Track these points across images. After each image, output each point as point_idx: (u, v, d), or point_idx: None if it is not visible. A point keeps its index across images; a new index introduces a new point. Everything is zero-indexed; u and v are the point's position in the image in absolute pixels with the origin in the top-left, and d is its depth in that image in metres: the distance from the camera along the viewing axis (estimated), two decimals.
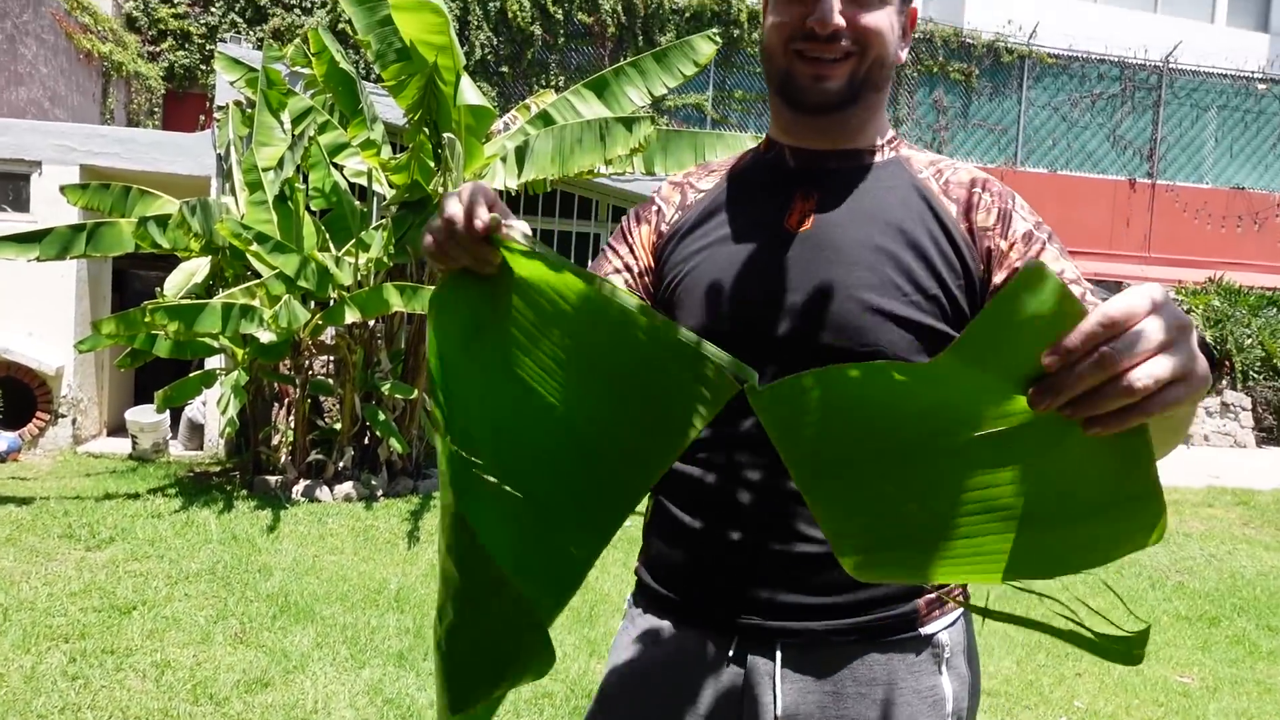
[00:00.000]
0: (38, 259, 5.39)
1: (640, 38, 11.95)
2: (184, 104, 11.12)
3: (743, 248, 1.02)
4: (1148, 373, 0.56)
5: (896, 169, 1.03)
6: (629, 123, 5.04)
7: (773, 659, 0.96)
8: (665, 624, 1.03)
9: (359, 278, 5.72)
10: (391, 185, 5.94)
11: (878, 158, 1.04)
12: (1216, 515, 6.78)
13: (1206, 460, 9.56)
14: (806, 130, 1.03)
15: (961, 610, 1.03)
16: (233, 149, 6.39)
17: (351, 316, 5.36)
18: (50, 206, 6.74)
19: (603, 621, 3.89)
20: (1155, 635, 4.06)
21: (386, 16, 5.28)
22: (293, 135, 5.82)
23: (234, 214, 5.71)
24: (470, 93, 5.42)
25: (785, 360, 0.95)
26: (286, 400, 6.50)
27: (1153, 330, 0.57)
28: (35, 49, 7.87)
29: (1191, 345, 0.59)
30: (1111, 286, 12.23)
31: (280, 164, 5.56)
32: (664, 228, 1.10)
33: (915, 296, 0.95)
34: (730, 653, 0.98)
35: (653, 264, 1.10)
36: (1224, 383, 11.12)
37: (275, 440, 6.23)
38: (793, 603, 0.96)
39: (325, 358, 6.71)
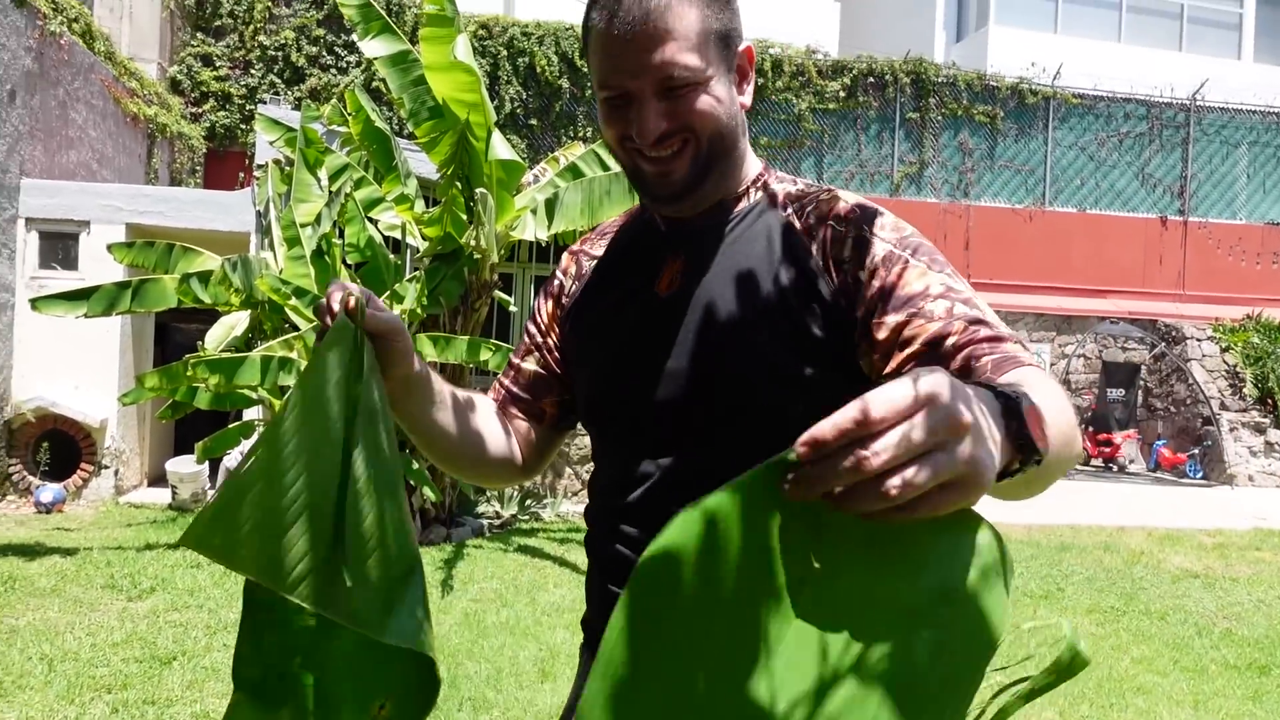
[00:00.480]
0: (85, 315, 5.56)
1: None
2: (224, 162, 11.46)
3: (620, 317, 1.05)
4: (903, 479, 0.50)
5: (762, 212, 1.01)
6: None
7: None
8: None
9: None
10: (425, 238, 6.08)
11: (743, 204, 1.03)
12: (1264, 559, 6.61)
13: (1252, 501, 9.33)
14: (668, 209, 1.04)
15: None
16: (271, 206, 6.58)
17: None
18: (97, 264, 6.97)
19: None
20: (1203, 685, 3.95)
21: (420, 77, 5.46)
22: (330, 192, 5.99)
23: (273, 269, 5.87)
24: (501, 147, 5.56)
25: (671, 430, 0.98)
26: None
27: (914, 432, 0.51)
28: (85, 114, 8.19)
29: (969, 449, 0.53)
30: (1146, 325, 12.09)
31: (318, 220, 5.71)
32: (564, 300, 1.15)
33: (782, 346, 0.93)
34: None
35: (558, 339, 1.15)
36: (1268, 420, 10.89)
37: None
38: None
39: None
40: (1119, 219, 13.30)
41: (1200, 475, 10.90)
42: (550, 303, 1.17)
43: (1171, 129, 13.57)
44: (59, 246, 7.20)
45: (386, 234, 6.42)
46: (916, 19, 15.16)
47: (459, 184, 5.72)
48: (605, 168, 5.70)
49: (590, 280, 1.13)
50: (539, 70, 11.72)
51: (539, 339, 1.17)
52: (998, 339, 0.84)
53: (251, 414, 6.68)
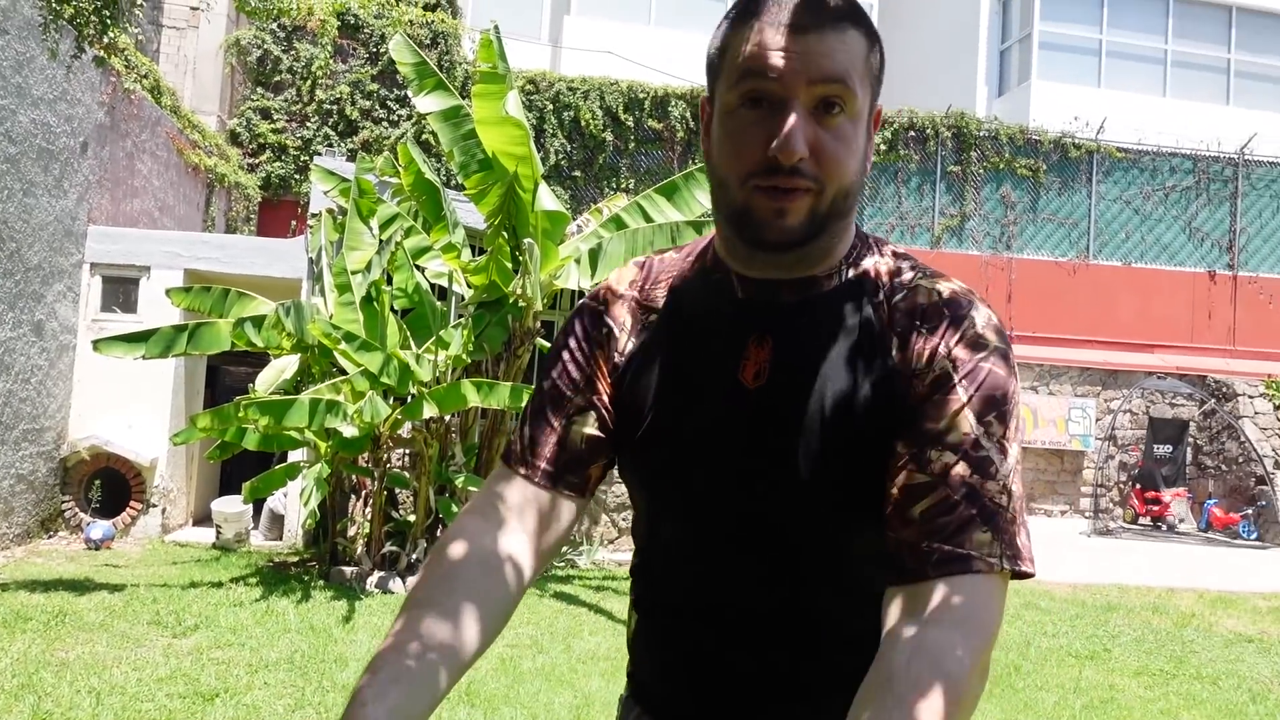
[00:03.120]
0: (144, 356, 5.75)
1: None
2: (278, 210, 11.84)
3: (701, 405, 0.94)
4: None
5: (854, 296, 0.92)
6: (699, 226, 5.22)
7: None
8: None
9: (438, 374, 5.95)
10: (470, 286, 6.22)
11: (834, 281, 0.93)
12: None
13: None
14: (762, 262, 0.93)
15: None
16: (324, 253, 6.79)
17: (430, 411, 5.56)
18: (155, 307, 7.22)
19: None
20: None
21: (470, 130, 5.65)
22: (380, 240, 6.18)
23: (324, 314, 6.04)
24: (547, 199, 5.70)
25: (765, 537, 0.92)
26: (364, 492, 6.69)
27: None
28: (150, 164, 8.55)
29: None
30: (1195, 381, 11.85)
31: (368, 267, 5.89)
32: (617, 356, 1.00)
33: (869, 453, 0.88)
34: None
35: (611, 396, 1.00)
36: None
37: (352, 532, 6.40)
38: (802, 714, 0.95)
39: (401, 450, 6.92)
40: (1165, 273, 13.13)
41: (1254, 536, 10.57)
42: (599, 353, 1.00)
43: (1219, 183, 13.43)
44: (120, 290, 7.48)
45: (434, 281, 6.59)
46: (957, 74, 15.28)
47: (505, 234, 5.87)
48: (648, 219, 5.82)
49: (655, 339, 0.99)
50: (583, 124, 11.99)
51: (592, 396, 0.99)
52: (967, 523, 0.80)
53: (296, 456, 6.81)
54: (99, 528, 7.04)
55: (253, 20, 11.05)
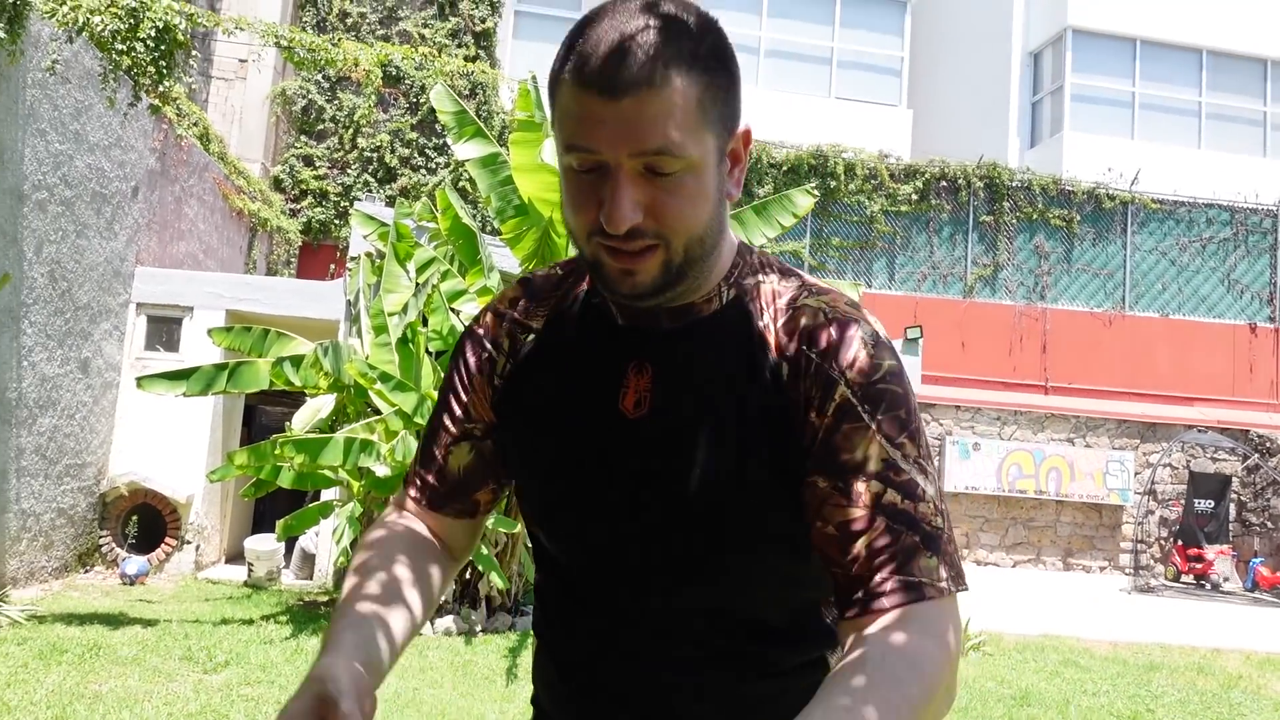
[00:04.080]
0: (185, 394, 5.87)
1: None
2: (317, 255, 12.11)
3: (580, 436, 0.92)
4: None
5: (736, 318, 0.90)
6: None
7: None
8: None
9: None
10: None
11: (714, 304, 0.90)
12: None
13: None
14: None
15: None
16: (361, 295, 6.93)
17: None
18: (197, 346, 7.39)
19: None
20: None
21: (507, 177, 5.77)
22: (416, 283, 6.29)
23: (360, 355, 6.14)
24: None
25: (654, 567, 0.91)
26: None
27: None
28: (197, 208, 8.81)
29: None
30: (1237, 435, 11.60)
31: (404, 309, 5.99)
32: (497, 380, 0.98)
33: (755, 479, 0.86)
34: None
35: (489, 422, 1.00)
36: None
37: None
38: None
39: None
40: (1204, 325, 12.95)
41: None
42: (479, 378, 0.99)
43: (1258, 234, 13.29)
44: (163, 329, 7.67)
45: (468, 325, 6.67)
46: (989, 126, 15.36)
47: None
48: None
49: (531, 364, 0.97)
50: None
51: (468, 425, 0.99)
52: (912, 550, 0.80)
53: (329, 494, 6.87)
54: (134, 563, 7.13)
55: (299, 71, 11.44)
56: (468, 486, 1.01)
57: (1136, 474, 11.35)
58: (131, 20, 6.36)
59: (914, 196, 12.74)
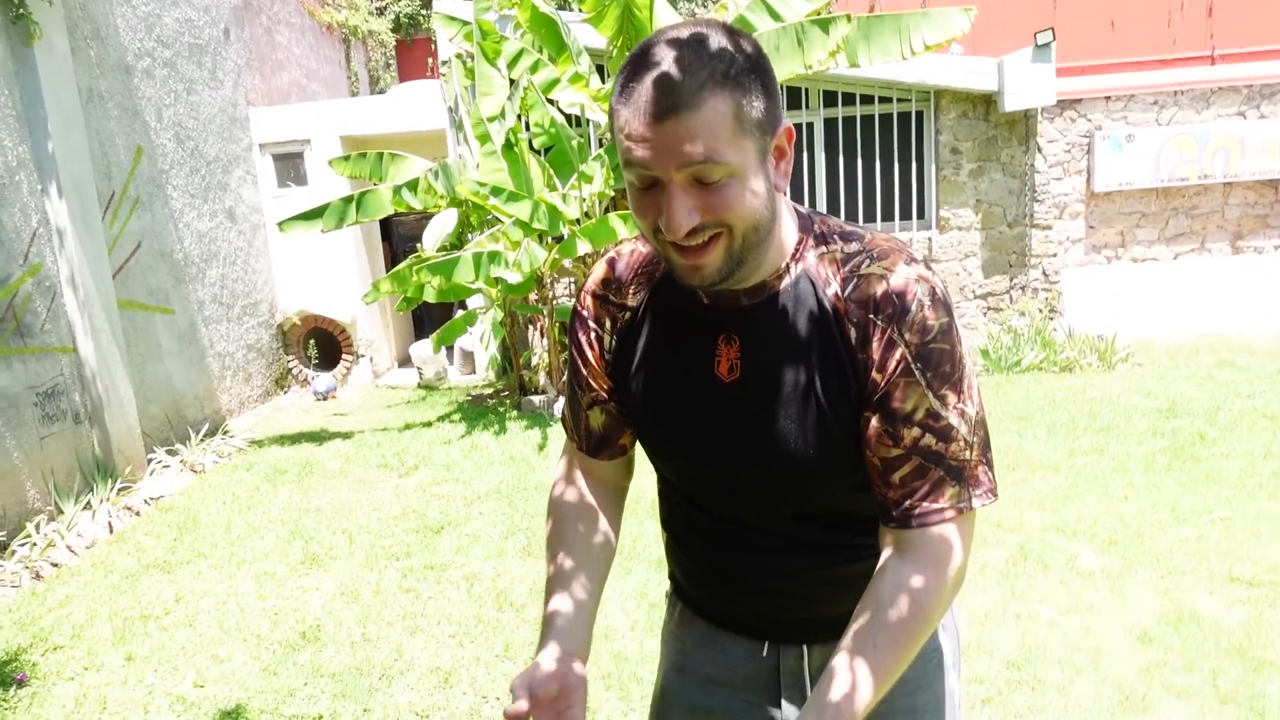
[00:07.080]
0: (322, 231, 6.25)
1: None
2: (413, 52, 11.98)
3: (684, 397, 1.09)
4: None
5: (804, 290, 1.03)
6: (825, 24, 4.89)
7: (800, 648, 1.18)
8: (702, 624, 1.25)
9: (585, 210, 6.10)
10: (604, 113, 6.20)
11: (784, 281, 1.03)
12: None
13: None
14: None
15: None
16: (460, 101, 6.91)
17: (583, 247, 5.77)
18: (322, 177, 7.72)
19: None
20: None
21: None
22: (511, 79, 6.20)
23: (469, 169, 6.25)
24: (666, 13, 5.49)
25: (757, 506, 1.10)
26: (539, 324, 7.16)
27: None
28: (288, 34, 8.82)
29: None
30: None
31: (503, 114, 5.97)
32: (606, 355, 1.16)
33: (834, 431, 1.02)
34: (764, 651, 1.20)
35: (609, 389, 1.18)
36: None
37: (535, 363, 6.92)
38: (818, 621, 1.15)
39: (567, 280, 7.26)
40: None
41: None
42: (592, 352, 1.17)
43: None
44: (289, 166, 8.00)
45: (567, 112, 6.59)
46: None
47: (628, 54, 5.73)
48: (777, 18, 5.49)
49: (632, 337, 1.14)
50: None
51: (595, 393, 1.19)
52: (939, 482, 0.97)
53: (474, 302, 7.32)
54: (323, 380, 7.98)
55: None
56: (609, 438, 1.22)
57: None
58: None
59: None
